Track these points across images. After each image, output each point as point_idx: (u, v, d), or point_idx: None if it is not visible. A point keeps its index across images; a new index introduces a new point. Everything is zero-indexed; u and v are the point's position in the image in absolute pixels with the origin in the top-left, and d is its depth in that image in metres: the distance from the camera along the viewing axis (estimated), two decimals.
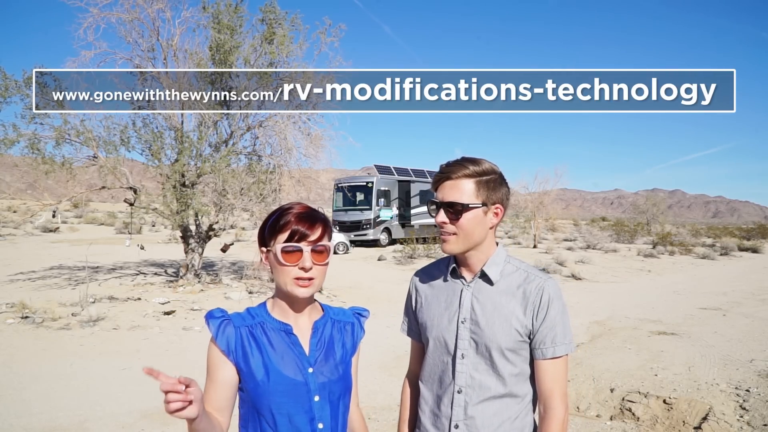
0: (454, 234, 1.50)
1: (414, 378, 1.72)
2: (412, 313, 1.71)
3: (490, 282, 1.54)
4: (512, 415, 1.51)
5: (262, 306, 1.44)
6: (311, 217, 1.36)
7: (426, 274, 1.69)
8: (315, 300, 1.47)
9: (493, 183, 1.52)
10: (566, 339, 1.49)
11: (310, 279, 1.34)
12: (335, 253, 20.11)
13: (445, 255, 1.63)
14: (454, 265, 1.60)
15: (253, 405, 1.34)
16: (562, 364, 1.49)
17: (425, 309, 1.63)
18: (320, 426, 1.35)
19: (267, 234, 1.38)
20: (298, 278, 1.33)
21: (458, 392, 1.51)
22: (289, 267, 1.33)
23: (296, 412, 1.33)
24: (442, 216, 1.50)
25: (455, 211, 1.49)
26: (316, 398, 1.35)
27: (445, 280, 1.62)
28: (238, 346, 1.34)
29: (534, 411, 1.57)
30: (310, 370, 1.37)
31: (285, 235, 1.34)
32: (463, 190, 1.49)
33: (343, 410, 1.42)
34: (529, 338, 1.51)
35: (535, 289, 1.50)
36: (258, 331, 1.36)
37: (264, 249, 1.40)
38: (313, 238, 1.34)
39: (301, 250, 1.33)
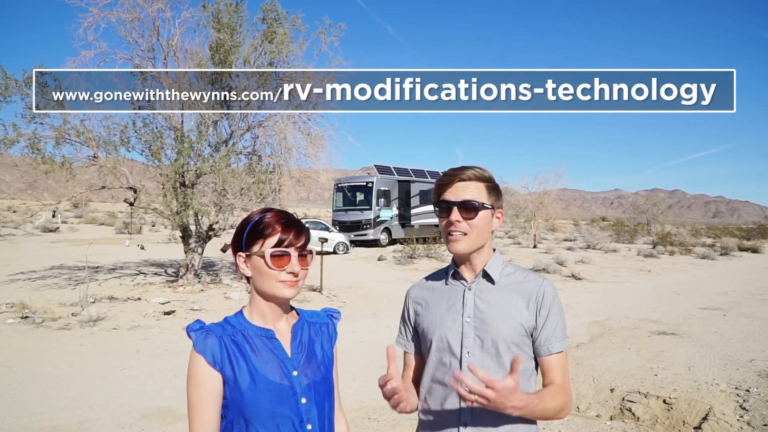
0: (465, 234, 1.55)
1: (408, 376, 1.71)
2: (410, 324, 1.71)
3: (491, 281, 1.60)
4: None
5: (239, 315, 1.46)
6: (297, 223, 1.42)
7: (424, 284, 1.72)
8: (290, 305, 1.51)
9: (497, 189, 1.62)
10: (565, 333, 1.61)
11: (297, 281, 1.40)
12: (335, 253, 20.13)
13: (445, 265, 1.71)
14: (455, 269, 1.64)
15: (241, 413, 1.34)
16: (566, 357, 1.60)
17: (426, 313, 1.65)
18: (309, 427, 1.38)
19: (248, 239, 1.40)
20: (283, 281, 1.38)
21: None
22: (276, 271, 1.37)
23: (285, 415, 1.35)
24: (456, 215, 1.54)
25: (470, 209, 1.55)
26: (303, 400, 1.38)
27: (446, 284, 1.66)
28: (223, 355, 1.35)
29: None
30: (295, 373, 1.39)
31: (273, 240, 1.37)
32: (476, 190, 1.57)
33: (328, 410, 1.46)
34: (531, 335, 1.57)
35: (536, 290, 1.58)
36: (240, 339, 1.39)
37: (243, 254, 1.42)
38: (299, 244, 1.39)
39: (289, 255, 1.38)
